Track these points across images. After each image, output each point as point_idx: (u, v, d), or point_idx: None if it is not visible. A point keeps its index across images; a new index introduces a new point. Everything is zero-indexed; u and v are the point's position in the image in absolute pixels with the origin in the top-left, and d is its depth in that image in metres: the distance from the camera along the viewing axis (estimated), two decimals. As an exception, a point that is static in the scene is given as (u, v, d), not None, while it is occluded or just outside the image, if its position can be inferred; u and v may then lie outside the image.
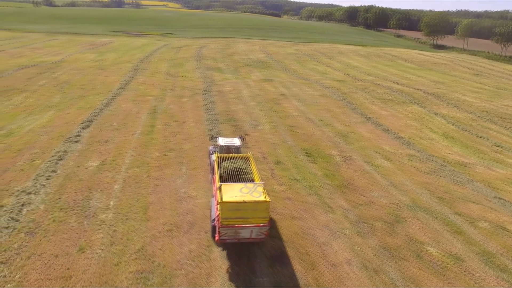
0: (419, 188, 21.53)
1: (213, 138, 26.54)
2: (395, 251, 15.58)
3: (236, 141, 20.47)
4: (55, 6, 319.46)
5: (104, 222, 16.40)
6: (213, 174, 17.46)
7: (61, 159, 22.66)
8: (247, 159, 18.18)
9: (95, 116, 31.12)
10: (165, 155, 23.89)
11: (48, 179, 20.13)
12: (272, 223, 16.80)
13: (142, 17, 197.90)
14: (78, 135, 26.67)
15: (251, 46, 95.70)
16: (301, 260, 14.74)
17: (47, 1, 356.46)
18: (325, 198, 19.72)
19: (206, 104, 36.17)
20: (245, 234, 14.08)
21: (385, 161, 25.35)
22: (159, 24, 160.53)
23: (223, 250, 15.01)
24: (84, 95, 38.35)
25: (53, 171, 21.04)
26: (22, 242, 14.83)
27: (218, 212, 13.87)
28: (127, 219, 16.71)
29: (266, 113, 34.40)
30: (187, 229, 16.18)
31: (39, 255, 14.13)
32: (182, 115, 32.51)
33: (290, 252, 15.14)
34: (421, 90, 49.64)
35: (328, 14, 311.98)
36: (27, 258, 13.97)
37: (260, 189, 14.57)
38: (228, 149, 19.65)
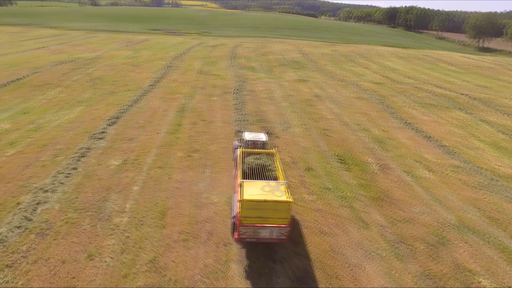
0: (467, 205, 19.17)
1: (239, 132, 25.28)
2: (440, 280, 13.52)
3: (262, 136, 19.82)
4: (99, 5, 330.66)
5: (117, 226, 15.34)
6: (237, 169, 16.69)
7: (83, 156, 22.00)
8: (272, 155, 17.57)
9: (122, 113, 30.56)
10: (189, 156, 22.74)
11: (67, 176, 19.43)
12: (299, 238, 15.19)
13: (179, 16, 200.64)
14: (103, 132, 26.06)
15: (286, 46, 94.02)
16: (329, 284, 13.01)
17: (91, 1, 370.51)
18: (359, 212, 17.83)
19: (236, 104, 34.90)
20: (265, 234, 13.62)
21: (427, 172, 23.02)
22: (195, 23, 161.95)
23: (242, 248, 14.04)
24: (115, 91, 38.09)
25: (74, 169, 20.35)
26: (32, 244, 13.99)
27: (238, 210, 13.42)
28: (142, 224, 15.58)
29: (298, 114, 32.68)
30: (204, 240, 14.82)
31: (46, 260, 13.21)
32: (211, 114, 31.39)
33: (317, 273, 13.44)
34: (465, 95, 46.16)
35: (366, 15, 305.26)
36: (34, 262, 13.08)
37: (283, 188, 14.07)
38: (254, 144, 19.11)
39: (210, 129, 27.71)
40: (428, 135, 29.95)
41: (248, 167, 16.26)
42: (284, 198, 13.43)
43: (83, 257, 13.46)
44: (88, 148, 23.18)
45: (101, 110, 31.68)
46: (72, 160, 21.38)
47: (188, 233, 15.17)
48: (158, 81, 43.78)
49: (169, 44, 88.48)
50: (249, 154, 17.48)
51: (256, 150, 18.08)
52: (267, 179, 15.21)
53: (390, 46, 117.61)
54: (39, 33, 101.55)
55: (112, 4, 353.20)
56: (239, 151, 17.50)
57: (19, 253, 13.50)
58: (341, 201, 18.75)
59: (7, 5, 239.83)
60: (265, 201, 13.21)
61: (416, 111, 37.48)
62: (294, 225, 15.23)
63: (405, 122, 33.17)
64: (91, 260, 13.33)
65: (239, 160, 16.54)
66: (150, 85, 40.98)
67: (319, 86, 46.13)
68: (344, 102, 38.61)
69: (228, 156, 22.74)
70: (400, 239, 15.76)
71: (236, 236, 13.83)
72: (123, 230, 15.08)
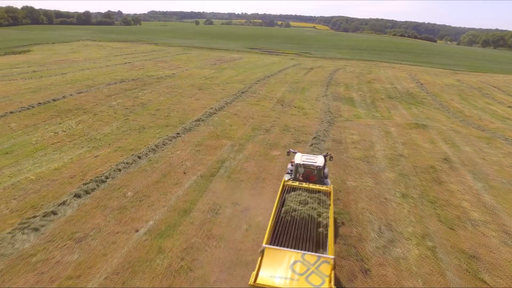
0: None
1: (290, 153, 17.90)
2: None
3: (319, 160, 15.28)
4: (213, 25, 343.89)
5: None
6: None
7: (-46, 284, 10.89)
8: (327, 196, 13.00)
9: (119, 170, 19.39)
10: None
11: None
12: None
13: (283, 35, 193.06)
14: (54, 213, 14.92)
15: (397, 73, 77.03)
16: None
17: (207, 21, 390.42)
18: None
19: (306, 166, 21.40)
20: None
21: None
22: (298, 43, 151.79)
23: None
24: (146, 127, 27.63)
25: None
26: None
27: None
28: None
29: (415, 205, 17.76)
30: None
31: None
32: (256, 188, 18.38)
33: None
34: None
35: (497, 39, 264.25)
36: None
37: (326, 269, 9.23)
38: (306, 170, 14.92)
39: (237, 230, 14.58)
40: None
41: (287, 216, 11.80)
42: None
43: None
44: (-12, 257, 12.07)
45: (100, 158, 21.07)
46: None
47: None
48: (214, 113, 32.46)
49: (261, 64, 78.69)
50: (294, 190, 13.28)
51: (305, 185, 13.56)
52: (309, 239, 10.61)
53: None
54: (138, 49, 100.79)
55: (227, 24, 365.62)
56: (281, 183, 13.70)
57: None
58: None
59: (134, 24, 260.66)
60: None
61: None
62: None
63: None
64: None
65: (277, 198, 12.43)
66: (198, 120, 29.76)
67: (447, 137, 29.99)
68: (496, 176, 22.28)
69: None
70: None
71: None
72: None
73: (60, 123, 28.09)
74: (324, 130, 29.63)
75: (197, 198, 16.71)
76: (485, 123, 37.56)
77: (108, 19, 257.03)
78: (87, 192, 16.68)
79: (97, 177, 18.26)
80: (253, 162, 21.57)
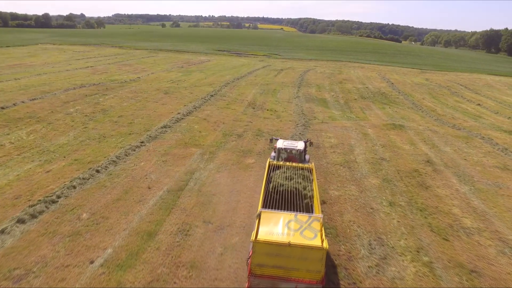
0: None
1: (273, 140, 18.89)
2: None
3: (299, 145, 16.53)
4: (180, 27, 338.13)
5: None
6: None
7: None
8: (309, 172, 13.95)
9: (74, 187, 17.01)
10: None
11: None
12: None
13: (251, 36, 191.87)
14: (-10, 245, 12.49)
15: (367, 72, 77.19)
16: None
17: (174, 24, 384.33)
18: None
19: (284, 174, 19.71)
20: (287, 286, 9.82)
21: None
22: (267, 44, 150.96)
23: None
24: (107, 135, 25.17)
25: None
26: None
27: (251, 254, 9.92)
28: None
29: (404, 214, 16.39)
30: None
31: None
32: (230, 202, 16.49)
33: None
34: None
35: (458, 40, 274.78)
36: None
37: (316, 225, 10.36)
38: (288, 154, 16.11)
39: (210, 255, 12.65)
40: None
41: (274, 189, 12.78)
42: (316, 242, 9.70)
43: None
44: None
45: (52, 174, 18.55)
46: None
47: None
48: (182, 118, 30.32)
49: (229, 66, 76.83)
50: (279, 168, 14.30)
51: (289, 163, 14.47)
52: (297, 210, 11.85)
53: (498, 74, 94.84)
54: (101, 52, 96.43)
55: (194, 26, 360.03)
56: (267, 163, 14.49)
57: None
58: None
59: (98, 28, 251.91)
60: (289, 245, 9.49)
61: None
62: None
63: None
64: None
65: (265, 175, 13.52)
66: (164, 126, 27.56)
67: (426, 138, 29.19)
68: (480, 177, 21.42)
69: None
70: None
71: (247, 286, 10.11)
72: None
73: (8, 134, 25.13)
74: (300, 133, 28.11)
75: (164, 218, 14.63)
76: (459, 122, 37.29)
77: (70, 22, 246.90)
78: (33, 216, 14.26)
79: (47, 196, 15.84)
80: (225, 172, 19.67)
